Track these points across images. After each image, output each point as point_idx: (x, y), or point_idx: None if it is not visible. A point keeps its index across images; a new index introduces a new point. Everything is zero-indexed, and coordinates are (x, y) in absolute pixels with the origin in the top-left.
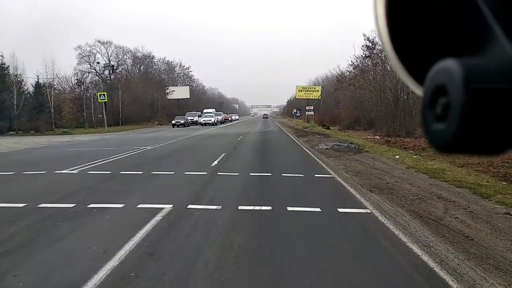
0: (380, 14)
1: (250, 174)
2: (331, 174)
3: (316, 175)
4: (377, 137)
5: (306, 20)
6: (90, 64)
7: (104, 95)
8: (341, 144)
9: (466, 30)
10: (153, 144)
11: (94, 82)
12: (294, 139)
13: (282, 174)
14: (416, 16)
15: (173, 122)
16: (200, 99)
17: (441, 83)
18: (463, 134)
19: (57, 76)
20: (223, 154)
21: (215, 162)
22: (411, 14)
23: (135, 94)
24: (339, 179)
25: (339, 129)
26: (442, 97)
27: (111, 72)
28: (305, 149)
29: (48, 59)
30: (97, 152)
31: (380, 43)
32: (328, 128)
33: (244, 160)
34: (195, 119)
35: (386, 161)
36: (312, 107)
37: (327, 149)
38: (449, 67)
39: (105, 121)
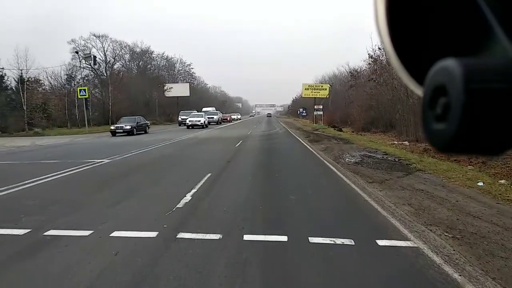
0: (381, 13)
1: (245, 238)
2: (406, 237)
3: (378, 241)
4: (406, 142)
5: (310, 17)
6: (85, 59)
7: (84, 90)
8: (372, 154)
9: (466, 30)
10: (115, 154)
11: (85, 78)
12: (307, 146)
13: (310, 239)
14: (417, 15)
15: (111, 128)
16: (202, 97)
17: (441, 83)
18: (463, 134)
19: (45, 70)
20: (208, 175)
21: (187, 197)
22: (411, 14)
23: (128, 90)
24: (434, 256)
25: (352, 131)
26: (442, 97)
27: (92, 63)
28: (328, 164)
29: (21, 49)
30: (25, 168)
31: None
32: (340, 130)
33: (238, 191)
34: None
35: (469, 192)
36: (321, 107)
37: (357, 163)
38: (449, 67)
39: (86, 120)
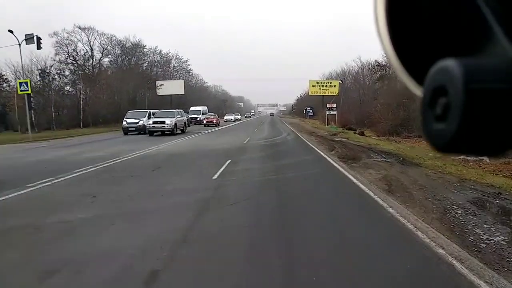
0: (380, 14)
1: None
2: None
3: None
4: (486, 159)
5: (313, 15)
6: (68, 54)
7: (26, 83)
8: (499, 202)
9: (466, 30)
10: None
11: (60, 73)
12: (345, 172)
13: None
14: (416, 16)
15: None
16: (200, 96)
17: (441, 83)
18: (463, 134)
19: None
20: None
21: None
22: (411, 14)
23: (111, 88)
24: None
25: (377, 136)
26: (442, 97)
27: (37, 46)
28: (470, 275)
29: None
30: None
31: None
32: (362, 134)
33: None
34: (140, 123)
35: None
36: (334, 105)
37: None
38: (449, 67)
39: (29, 123)
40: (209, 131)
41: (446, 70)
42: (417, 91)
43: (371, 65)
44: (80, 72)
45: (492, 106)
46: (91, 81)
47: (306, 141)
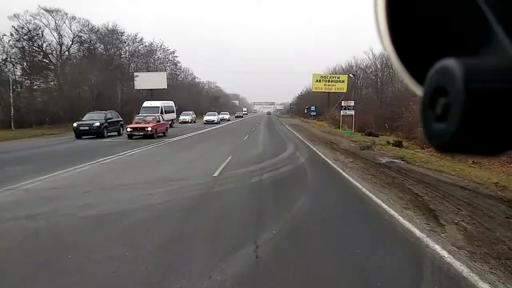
0: (381, 13)
1: None
2: None
3: None
4: None
5: (312, 14)
6: (31, 41)
7: None
8: None
9: (466, 30)
10: None
11: (6, 60)
12: None
13: None
14: (417, 15)
15: None
16: (191, 93)
17: (441, 83)
18: (463, 134)
19: None
20: None
21: None
22: (411, 14)
23: (65, 78)
24: None
25: (421, 147)
26: (442, 97)
27: None
28: None
29: None
30: None
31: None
32: (399, 145)
33: None
34: None
35: None
36: (352, 103)
37: None
38: (449, 66)
39: None
40: (167, 141)
41: (446, 70)
42: (417, 90)
43: None
44: (27, 59)
45: (493, 106)
46: (36, 69)
47: (334, 165)
